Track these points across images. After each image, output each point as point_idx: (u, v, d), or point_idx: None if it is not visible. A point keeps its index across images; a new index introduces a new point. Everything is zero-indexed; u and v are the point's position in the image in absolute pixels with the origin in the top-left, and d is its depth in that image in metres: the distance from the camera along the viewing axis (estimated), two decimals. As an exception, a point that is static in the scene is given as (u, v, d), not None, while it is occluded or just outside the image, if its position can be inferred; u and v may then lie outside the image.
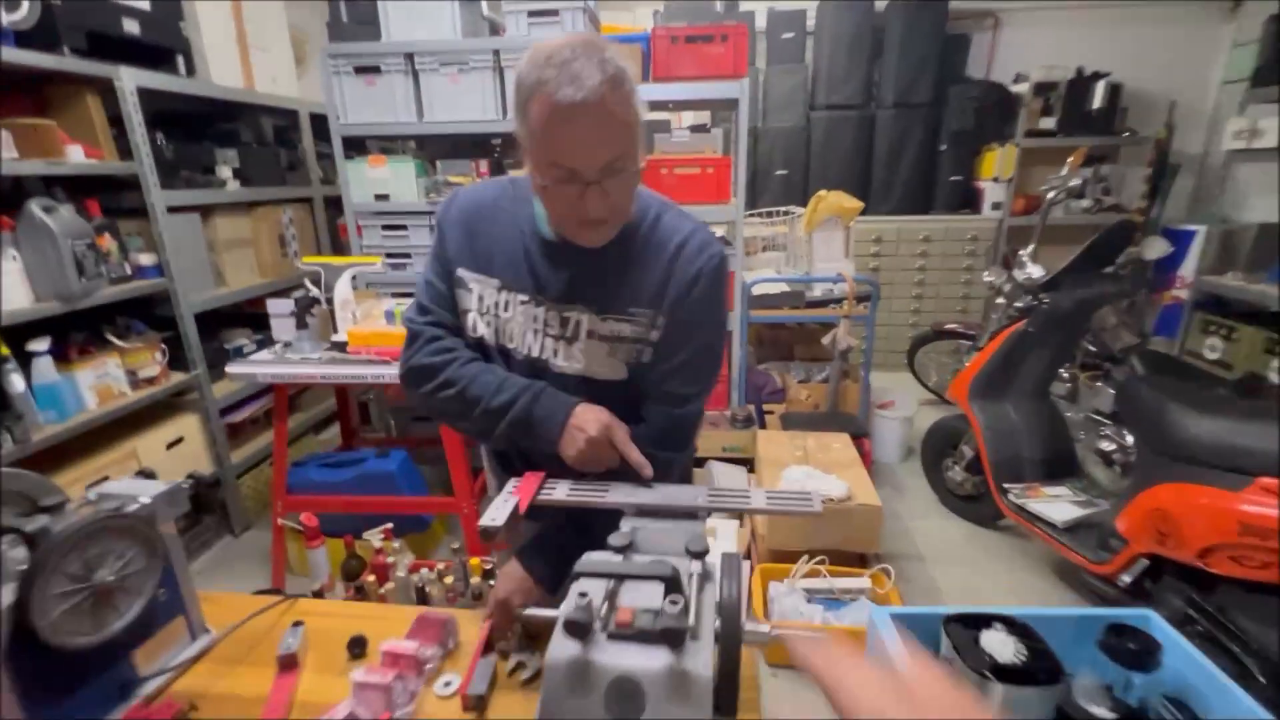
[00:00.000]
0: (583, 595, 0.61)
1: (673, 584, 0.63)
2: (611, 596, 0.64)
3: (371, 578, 1.79)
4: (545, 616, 0.74)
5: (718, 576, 0.69)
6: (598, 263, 0.91)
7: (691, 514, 0.78)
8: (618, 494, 0.81)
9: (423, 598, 1.80)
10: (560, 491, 0.84)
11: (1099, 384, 2.64)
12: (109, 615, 0.78)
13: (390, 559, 1.92)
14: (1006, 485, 2.17)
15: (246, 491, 2.66)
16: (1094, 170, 4.15)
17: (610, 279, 0.92)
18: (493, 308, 0.95)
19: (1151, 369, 2.26)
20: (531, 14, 2.29)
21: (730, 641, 0.61)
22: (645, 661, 0.58)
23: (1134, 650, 1.11)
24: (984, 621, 1.11)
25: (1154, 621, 1.08)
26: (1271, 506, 1.39)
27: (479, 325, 0.96)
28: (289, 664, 0.88)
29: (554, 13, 2.26)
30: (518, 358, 0.96)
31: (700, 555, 0.70)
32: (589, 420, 0.86)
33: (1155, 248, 2.05)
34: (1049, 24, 4.17)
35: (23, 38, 1.84)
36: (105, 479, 2.06)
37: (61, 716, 0.75)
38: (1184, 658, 0.96)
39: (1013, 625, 1.11)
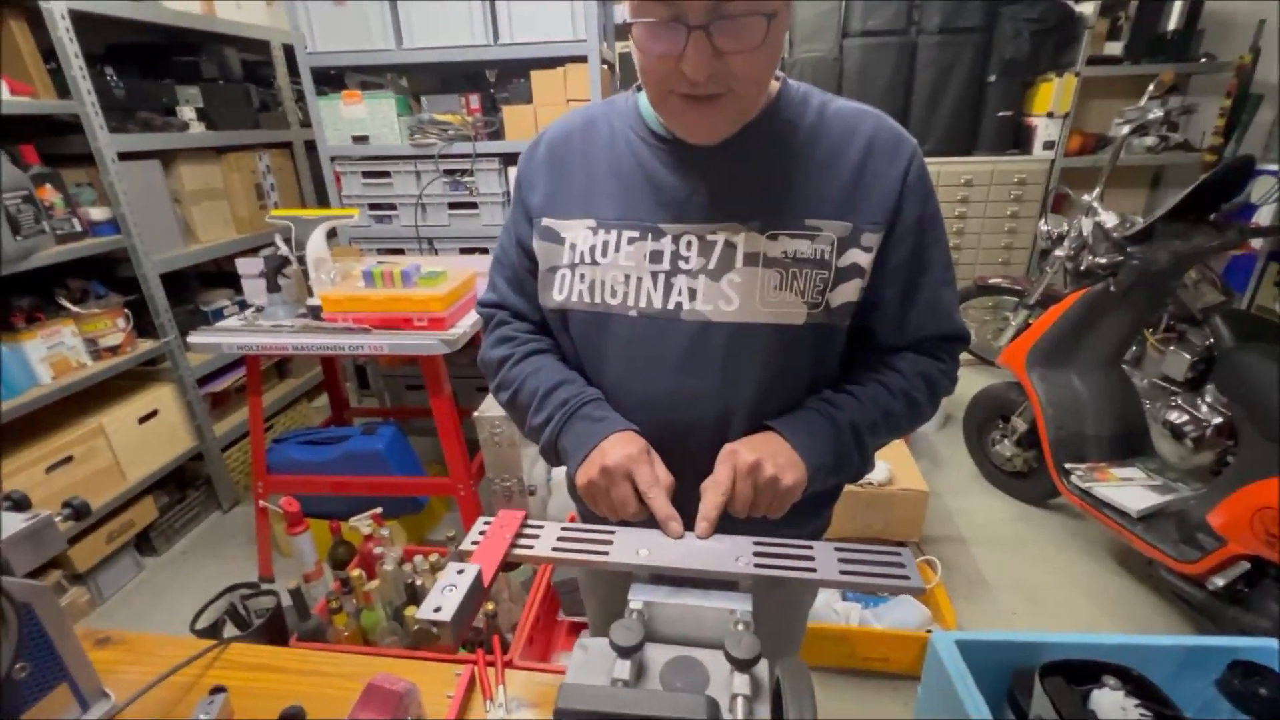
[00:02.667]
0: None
1: (709, 736, 0.40)
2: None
3: (358, 571, 1.61)
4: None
5: (773, 693, 0.46)
6: (752, 162, 0.67)
7: (732, 584, 0.54)
8: (624, 548, 0.58)
9: (413, 594, 1.63)
10: (545, 540, 0.61)
11: (1171, 348, 2.34)
12: (-66, 711, 0.57)
13: (379, 549, 1.74)
14: (1069, 465, 1.92)
15: (234, 465, 2.49)
16: (1162, 101, 3.71)
17: (773, 179, 0.66)
18: (586, 255, 0.69)
19: (1240, 333, 1.96)
20: (524, -87, 1.93)
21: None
22: None
23: (1264, 696, 0.88)
24: (1089, 672, 0.89)
25: None
26: None
27: (559, 288, 0.72)
28: (200, 751, 0.68)
29: (551, -89, 1.91)
30: (627, 316, 0.69)
31: (747, 666, 0.46)
32: (612, 447, 0.63)
33: (1262, 189, 1.72)
34: (1120, -70, 3.65)
35: (-79, -52, 1.55)
36: (69, 459, 1.88)
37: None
38: None
39: (1127, 677, 0.89)
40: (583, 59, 2.02)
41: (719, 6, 0.53)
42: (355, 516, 1.74)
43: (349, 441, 1.97)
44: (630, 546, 0.58)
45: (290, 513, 1.79)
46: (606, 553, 0.57)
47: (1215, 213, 1.73)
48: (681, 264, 0.67)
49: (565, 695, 0.42)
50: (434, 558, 1.69)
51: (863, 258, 0.66)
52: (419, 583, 1.63)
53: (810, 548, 0.57)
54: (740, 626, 0.50)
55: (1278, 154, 3.62)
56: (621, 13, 2.19)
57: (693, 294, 0.66)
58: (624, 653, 0.48)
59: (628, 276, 0.67)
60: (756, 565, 0.55)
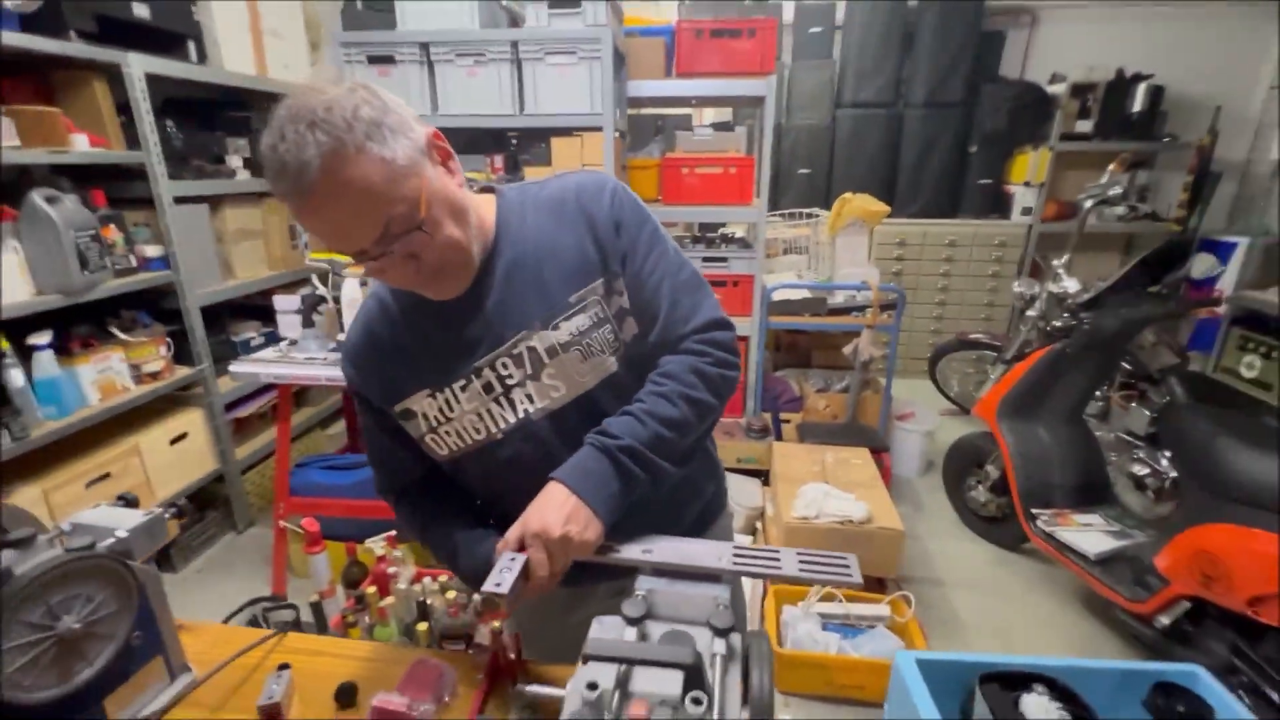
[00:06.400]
0: (592, 687, 0.54)
1: (694, 675, 0.55)
2: (624, 682, 0.57)
3: (373, 588, 1.73)
4: (550, 695, 0.67)
5: (744, 655, 0.61)
6: (502, 282, 0.80)
7: (715, 576, 0.70)
8: (632, 550, 0.74)
9: (424, 612, 1.75)
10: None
11: (1133, 404, 2.52)
12: (76, 664, 0.72)
13: (392, 569, 1.86)
14: (1035, 510, 2.07)
15: (250, 488, 2.62)
16: (1130, 176, 3.99)
17: (528, 285, 0.80)
18: (439, 417, 0.84)
19: (1193, 393, 2.14)
20: (552, 4, 2.19)
21: (760, 747, 0.53)
22: (662, 771, 0.51)
23: (1184, 714, 1.02)
24: (1023, 681, 1.03)
25: (1202, 680, 0.99)
26: (1334, 557, 1.29)
27: (438, 446, 0.86)
28: (272, 714, 0.82)
29: (575, 2, 2.17)
30: (498, 438, 0.83)
31: (725, 632, 0.62)
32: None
33: (1203, 265, 1.92)
34: (1089, 22, 4.00)
35: (28, 22, 1.78)
36: (107, 475, 2.02)
37: (22, 774, 0.69)
38: None
39: (1054, 686, 1.03)
40: (598, 128, 2.26)
41: (380, 244, 0.67)
42: (371, 538, 1.88)
43: (367, 468, 2.11)
44: (636, 548, 0.74)
45: (310, 532, 1.92)
46: (619, 550, 0.73)
47: (1158, 284, 1.93)
48: (509, 381, 0.81)
49: (592, 645, 0.57)
50: (443, 579, 1.82)
51: (624, 299, 0.81)
52: (430, 601, 1.75)
53: (777, 552, 0.73)
54: (721, 607, 0.65)
55: (1239, 226, 3.89)
56: (635, 88, 2.41)
57: (529, 398, 0.81)
58: (632, 622, 0.63)
59: (479, 413, 0.82)
60: (735, 563, 0.70)
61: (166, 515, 0.86)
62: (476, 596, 0.63)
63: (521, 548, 0.70)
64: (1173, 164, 4.03)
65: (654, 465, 0.76)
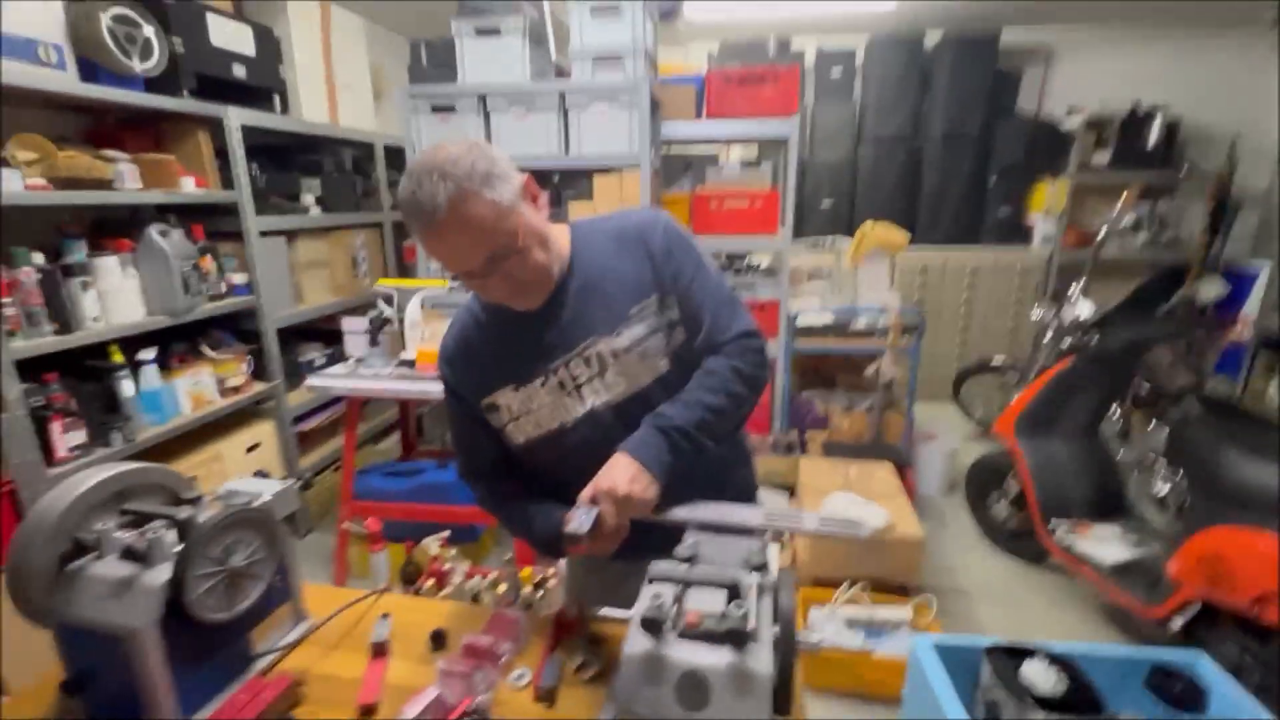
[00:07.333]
0: (656, 596, 0.70)
1: (735, 591, 0.71)
2: (679, 600, 0.73)
3: (430, 582, 1.90)
4: (617, 618, 0.83)
5: (774, 588, 0.77)
6: (574, 298, 0.98)
7: (749, 531, 0.86)
8: (681, 511, 0.90)
9: (477, 604, 1.91)
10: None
11: (1154, 424, 2.60)
12: (237, 597, 0.90)
13: (447, 566, 2.04)
14: (1053, 522, 2.16)
15: (312, 496, 2.83)
16: (1151, 206, 4.08)
17: (596, 301, 0.98)
18: (521, 408, 1.01)
19: (1207, 411, 2.22)
20: (596, 58, 2.45)
21: (788, 645, 0.68)
22: (712, 659, 0.66)
23: (1179, 692, 1.12)
24: (1026, 653, 1.14)
25: (1203, 664, 1.08)
26: (1329, 556, 1.38)
27: (517, 434, 1.03)
28: (380, 651, 0.99)
29: (617, 57, 2.42)
30: (570, 425, 1.00)
31: (759, 569, 0.78)
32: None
33: (1211, 289, 2.04)
34: (1104, 58, 4.15)
35: (149, 82, 2.08)
36: (194, 479, 2.24)
37: (196, 682, 0.87)
38: (1234, 703, 0.95)
39: (1054, 658, 1.14)
40: (635, 166, 2.49)
41: (490, 261, 0.86)
42: (427, 538, 2.05)
43: (425, 473, 2.31)
44: (684, 510, 0.90)
45: (373, 532, 2.11)
46: (671, 512, 0.90)
47: (1164, 307, 2.04)
48: (579, 380, 0.98)
49: (653, 570, 0.74)
50: (493, 576, 1.98)
51: (674, 312, 0.98)
52: (482, 596, 1.91)
53: (800, 513, 0.88)
54: (755, 552, 0.81)
55: (1262, 253, 3.94)
56: (668, 129, 2.64)
57: (596, 393, 0.98)
58: (683, 561, 0.79)
59: (554, 406, 1.00)
60: (767, 519, 0.86)
61: (296, 485, 1.05)
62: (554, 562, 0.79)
63: (594, 504, 0.87)
64: (1194, 193, 4.10)
65: (699, 442, 0.92)
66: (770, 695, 0.65)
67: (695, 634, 0.68)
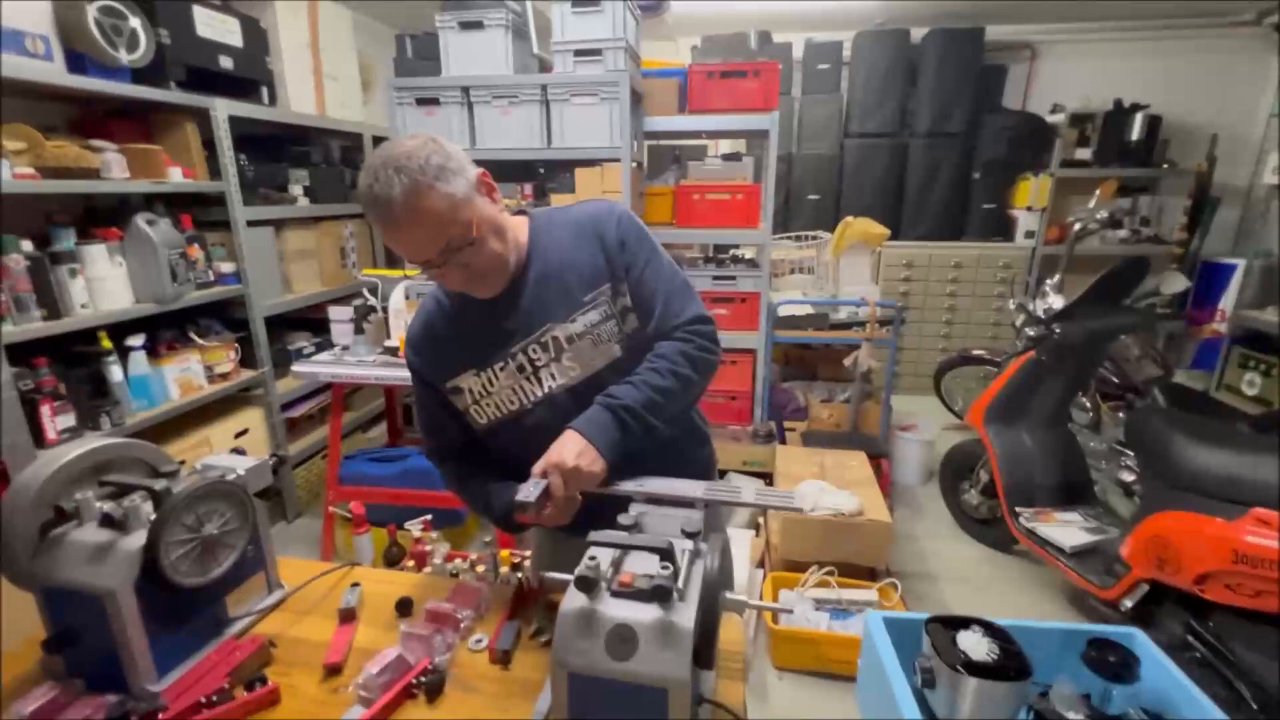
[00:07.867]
0: (592, 559, 0.76)
1: (666, 554, 0.77)
2: (618, 564, 0.79)
3: (411, 563, 1.96)
4: (563, 580, 0.89)
5: (703, 553, 0.83)
6: (534, 284, 1.03)
7: (690, 504, 0.91)
8: (628, 485, 0.96)
9: (456, 583, 1.97)
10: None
11: (1121, 414, 2.66)
12: (211, 563, 0.96)
13: (428, 547, 2.10)
14: (1018, 509, 2.23)
15: (299, 482, 2.89)
16: (1131, 201, 4.14)
17: (553, 288, 1.02)
18: (481, 391, 1.06)
19: (1171, 401, 2.29)
20: (577, 53, 2.49)
21: (709, 602, 0.74)
22: (639, 614, 0.72)
23: (1112, 662, 1.19)
24: (963, 624, 1.21)
25: (1138, 639, 1.14)
26: (1265, 536, 1.44)
27: (480, 416, 1.08)
28: (348, 616, 1.05)
29: (597, 52, 2.46)
30: (528, 408, 1.05)
31: (693, 536, 0.83)
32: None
33: (1172, 283, 2.09)
34: (1087, 55, 4.19)
35: (137, 74, 2.12)
36: (183, 463, 2.29)
37: (172, 642, 0.93)
38: (1164, 674, 0.99)
39: (989, 628, 1.20)
40: (617, 159, 2.53)
41: (443, 256, 0.90)
42: (409, 521, 2.11)
43: (409, 459, 2.37)
44: (631, 484, 0.96)
45: (357, 514, 2.17)
46: (619, 485, 0.95)
47: (1126, 298, 2.10)
48: (537, 363, 1.03)
49: (593, 536, 0.79)
50: (473, 558, 2.04)
51: (626, 299, 1.03)
52: (461, 578, 1.97)
53: (739, 488, 0.94)
54: (691, 520, 0.86)
55: (1240, 249, 4.01)
56: (651, 123, 2.69)
57: (553, 377, 1.03)
58: (625, 529, 0.85)
59: (513, 389, 1.05)
60: (707, 493, 0.92)
61: (270, 462, 1.11)
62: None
63: (544, 477, 0.93)
64: (1174, 189, 4.16)
65: (646, 420, 0.98)
66: (690, 647, 0.71)
67: (627, 593, 0.74)
